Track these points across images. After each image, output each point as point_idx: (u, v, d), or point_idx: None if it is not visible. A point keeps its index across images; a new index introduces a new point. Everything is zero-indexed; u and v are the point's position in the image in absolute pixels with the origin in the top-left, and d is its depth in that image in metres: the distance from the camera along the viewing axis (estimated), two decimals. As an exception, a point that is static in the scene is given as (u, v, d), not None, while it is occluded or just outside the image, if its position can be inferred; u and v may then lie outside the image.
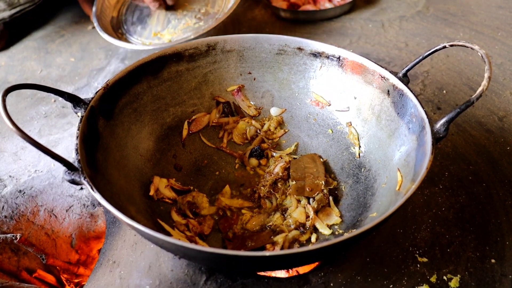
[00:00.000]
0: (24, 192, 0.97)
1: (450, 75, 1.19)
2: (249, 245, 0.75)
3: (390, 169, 0.77)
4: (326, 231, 0.77)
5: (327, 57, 0.89)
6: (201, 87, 0.95)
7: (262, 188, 0.85)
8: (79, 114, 0.73)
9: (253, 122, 0.96)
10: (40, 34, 1.59)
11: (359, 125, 0.88)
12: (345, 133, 0.90)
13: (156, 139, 0.88)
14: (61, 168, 0.64)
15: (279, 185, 0.85)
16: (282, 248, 0.74)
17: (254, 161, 0.92)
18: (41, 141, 1.02)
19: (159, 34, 1.33)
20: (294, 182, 0.84)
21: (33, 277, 0.93)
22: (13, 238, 0.84)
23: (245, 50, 0.94)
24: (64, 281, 0.96)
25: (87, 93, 1.24)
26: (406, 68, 0.79)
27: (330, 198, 0.82)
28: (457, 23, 1.44)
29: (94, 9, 1.34)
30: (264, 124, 0.97)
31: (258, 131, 0.96)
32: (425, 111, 0.71)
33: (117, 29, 1.37)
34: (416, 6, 1.57)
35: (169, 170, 0.88)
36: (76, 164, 0.63)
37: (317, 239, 0.77)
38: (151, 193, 0.81)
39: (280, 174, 0.86)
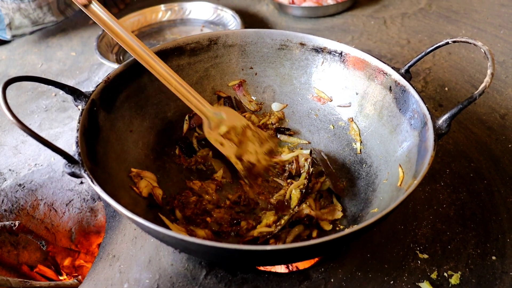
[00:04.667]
0: (24, 186, 0.97)
1: (452, 72, 1.18)
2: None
3: (392, 165, 0.77)
4: (327, 227, 0.77)
5: (329, 52, 0.89)
6: (203, 81, 0.95)
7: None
8: (80, 107, 0.72)
9: (253, 116, 0.96)
10: (41, 28, 1.58)
11: (360, 121, 0.87)
12: (346, 128, 0.90)
13: (157, 133, 0.88)
14: (61, 162, 0.64)
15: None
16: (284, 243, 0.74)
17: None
18: (42, 135, 1.02)
19: None
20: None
21: (34, 272, 0.93)
22: (12, 225, 0.83)
23: (247, 44, 0.94)
24: (65, 275, 0.96)
25: (88, 87, 1.24)
26: (409, 64, 0.79)
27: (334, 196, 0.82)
28: (460, 20, 1.43)
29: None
30: (261, 120, 0.96)
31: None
32: (427, 107, 0.71)
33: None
34: (418, 3, 1.56)
35: (169, 164, 0.88)
36: (76, 157, 0.63)
37: (318, 234, 0.76)
38: (144, 194, 0.78)
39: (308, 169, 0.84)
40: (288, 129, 0.95)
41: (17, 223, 0.83)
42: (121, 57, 1.35)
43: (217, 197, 0.83)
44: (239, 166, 0.86)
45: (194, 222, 0.78)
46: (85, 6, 0.80)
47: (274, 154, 0.90)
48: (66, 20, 1.49)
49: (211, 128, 0.86)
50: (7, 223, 0.84)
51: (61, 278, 0.95)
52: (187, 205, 0.80)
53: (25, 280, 0.76)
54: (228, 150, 0.86)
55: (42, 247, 0.88)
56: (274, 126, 0.96)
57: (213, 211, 0.80)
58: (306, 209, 0.76)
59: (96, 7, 0.81)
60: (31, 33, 1.43)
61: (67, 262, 0.97)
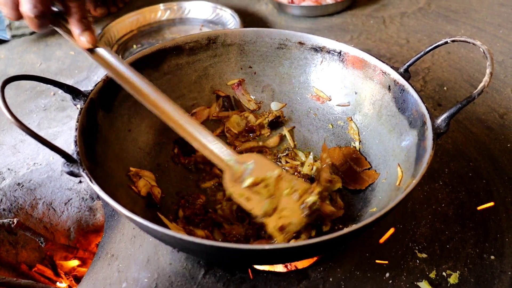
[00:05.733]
0: (23, 185, 0.97)
1: (451, 72, 1.18)
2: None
3: (390, 164, 0.77)
4: (326, 227, 0.77)
5: (328, 51, 0.89)
6: (201, 80, 0.94)
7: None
8: (78, 106, 0.72)
9: (250, 116, 0.96)
10: (40, 27, 1.58)
11: (359, 120, 0.87)
12: (345, 128, 0.90)
13: (156, 132, 0.88)
14: (60, 161, 0.64)
15: None
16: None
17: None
18: (40, 134, 1.02)
19: None
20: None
21: (33, 271, 0.93)
22: (10, 222, 0.83)
23: (246, 44, 0.93)
24: (63, 275, 0.96)
25: (87, 87, 1.23)
26: (408, 64, 0.79)
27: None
28: (459, 20, 1.43)
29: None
30: (258, 119, 0.96)
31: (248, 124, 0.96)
32: (426, 107, 0.71)
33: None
34: (417, 2, 1.56)
35: (168, 163, 0.88)
36: (75, 156, 0.63)
37: (316, 233, 0.76)
38: (143, 193, 0.78)
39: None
40: (279, 117, 0.95)
41: (15, 220, 0.83)
42: (120, 56, 1.35)
43: (229, 214, 0.79)
44: (270, 226, 0.70)
45: (193, 223, 0.77)
46: (90, 50, 0.73)
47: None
48: None
49: (234, 181, 0.72)
50: (5, 220, 0.84)
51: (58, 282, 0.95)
52: (191, 206, 0.79)
53: (3, 277, 0.76)
54: (257, 206, 0.71)
55: (40, 244, 0.88)
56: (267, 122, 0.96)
57: (224, 224, 0.77)
58: (326, 206, 0.73)
59: (103, 51, 0.74)
60: (31, 33, 1.43)
61: (66, 263, 0.97)
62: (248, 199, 0.71)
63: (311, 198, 0.70)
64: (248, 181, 0.72)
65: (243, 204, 0.72)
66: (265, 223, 0.70)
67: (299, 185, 0.72)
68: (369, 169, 0.83)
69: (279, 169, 0.73)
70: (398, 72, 0.78)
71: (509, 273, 0.72)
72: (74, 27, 0.71)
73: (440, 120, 0.68)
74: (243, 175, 0.72)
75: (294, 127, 0.96)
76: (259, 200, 0.71)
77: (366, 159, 0.84)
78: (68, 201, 0.96)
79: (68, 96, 0.74)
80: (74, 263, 0.97)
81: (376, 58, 0.82)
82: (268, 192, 0.72)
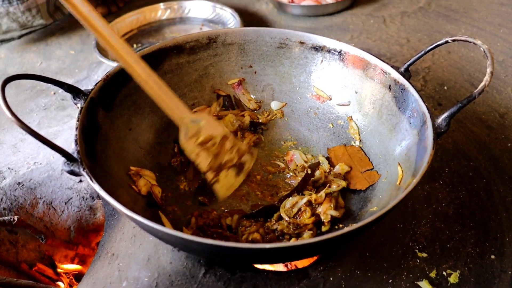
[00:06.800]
0: (23, 184, 0.97)
1: (451, 71, 1.18)
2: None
3: (391, 163, 0.77)
4: (325, 226, 0.77)
5: (328, 51, 0.89)
6: (202, 80, 0.94)
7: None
8: (79, 105, 0.72)
9: (247, 117, 0.96)
10: (40, 27, 1.57)
11: (360, 120, 0.87)
12: (345, 127, 0.90)
13: (156, 132, 0.88)
14: (60, 161, 0.64)
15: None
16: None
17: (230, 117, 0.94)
18: (41, 133, 1.02)
19: None
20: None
21: (33, 270, 0.93)
22: (11, 220, 0.83)
23: (246, 43, 0.93)
24: (63, 274, 0.96)
25: (87, 86, 1.23)
26: (408, 63, 0.79)
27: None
28: (459, 19, 1.43)
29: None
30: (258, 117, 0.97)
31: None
32: (426, 106, 0.71)
33: None
34: (418, 2, 1.56)
35: (168, 162, 0.88)
36: (75, 155, 0.63)
37: (316, 232, 0.76)
38: (143, 193, 0.78)
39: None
40: (264, 124, 0.96)
41: (16, 218, 0.83)
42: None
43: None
44: (209, 178, 0.81)
45: (205, 234, 0.76)
46: None
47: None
48: (55, 23, 1.48)
49: (188, 137, 0.80)
50: (6, 218, 0.84)
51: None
52: (204, 217, 0.79)
53: (3, 277, 0.76)
54: (204, 162, 0.81)
55: (41, 240, 0.88)
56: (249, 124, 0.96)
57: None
58: (330, 210, 0.76)
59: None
60: (20, 37, 1.42)
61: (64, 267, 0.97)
62: (198, 155, 0.81)
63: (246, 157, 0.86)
64: (200, 138, 0.81)
65: (193, 159, 0.81)
66: (207, 177, 0.82)
67: (241, 146, 0.85)
68: (371, 169, 0.83)
69: (225, 129, 0.85)
70: (398, 72, 0.78)
71: (510, 272, 0.72)
72: None
73: (440, 119, 0.68)
74: (196, 133, 0.81)
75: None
76: (206, 157, 0.81)
77: (369, 159, 0.84)
78: (69, 200, 0.96)
79: (68, 95, 0.74)
80: (74, 267, 0.97)
81: (376, 57, 0.82)
82: (215, 149, 0.82)
